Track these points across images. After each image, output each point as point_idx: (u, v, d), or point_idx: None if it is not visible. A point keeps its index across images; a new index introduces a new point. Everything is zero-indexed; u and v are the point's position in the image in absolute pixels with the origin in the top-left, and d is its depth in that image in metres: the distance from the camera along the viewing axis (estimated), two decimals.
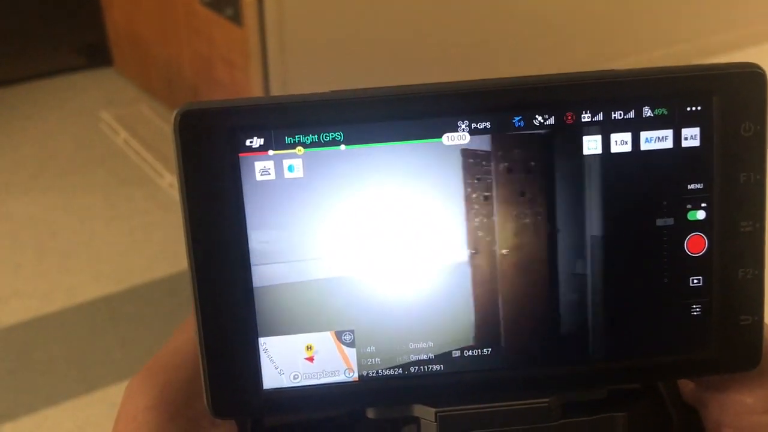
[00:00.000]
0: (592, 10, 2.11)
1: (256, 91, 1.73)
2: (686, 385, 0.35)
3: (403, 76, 1.85)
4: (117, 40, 2.38)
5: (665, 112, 0.30)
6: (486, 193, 0.30)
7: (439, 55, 1.90)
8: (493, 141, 0.30)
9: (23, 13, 2.77)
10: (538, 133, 0.29)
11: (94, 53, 2.47)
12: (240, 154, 0.29)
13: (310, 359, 0.31)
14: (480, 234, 0.30)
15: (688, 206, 0.30)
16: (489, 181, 0.30)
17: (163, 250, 1.68)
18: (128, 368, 1.36)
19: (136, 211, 1.81)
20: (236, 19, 1.73)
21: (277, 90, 1.72)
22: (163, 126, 2.10)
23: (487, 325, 0.31)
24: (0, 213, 1.80)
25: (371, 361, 0.31)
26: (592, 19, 2.12)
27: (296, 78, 1.74)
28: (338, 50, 1.78)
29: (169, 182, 1.87)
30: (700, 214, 0.30)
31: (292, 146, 0.29)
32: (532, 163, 0.30)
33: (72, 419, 1.28)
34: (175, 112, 0.28)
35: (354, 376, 0.31)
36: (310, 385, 0.31)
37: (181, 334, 0.32)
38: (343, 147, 0.29)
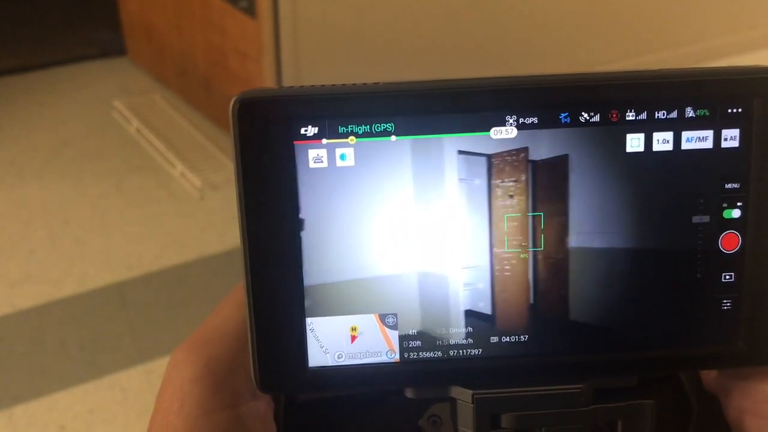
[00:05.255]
0: (598, 10, 2.11)
1: (268, 82, 1.74)
2: (708, 373, 0.36)
3: (412, 68, 1.86)
4: (131, 29, 2.39)
5: (707, 113, 0.30)
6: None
7: (449, 52, 1.91)
8: (536, 138, 0.30)
9: (39, 1, 2.78)
10: (583, 130, 0.30)
11: (109, 42, 2.48)
12: (295, 142, 0.30)
13: (354, 340, 0.32)
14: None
15: (725, 205, 0.31)
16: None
17: (173, 238, 1.69)
18: (137, 354, 1.38)
19: (147, 200, 1.82)
20: (250, 10, 1.74)
21: (289, 81, 1.73)
22: (175, 116, 2.11)
23: (524, 314, 0.32)
24: (14, 198, 1.82)
25: (413, 344, 0.32)
26: (598, 19, 2.12)
27: (309, 69, 1.75)
28: (351, 42, 1.78)
29: (180, 171, 1.88)
30: (736, 213, 0.31)
31: (345, 135, 0.30)
32: (576, 160, 0.31)
33: (82, 403, 1.30)
34: (233, 100, 0.29)
35: (395, 357, 0.32)
36: (353, 365, 0.32)
37: (226, 308, 0.33)
38: (393, 138, 0.30)
